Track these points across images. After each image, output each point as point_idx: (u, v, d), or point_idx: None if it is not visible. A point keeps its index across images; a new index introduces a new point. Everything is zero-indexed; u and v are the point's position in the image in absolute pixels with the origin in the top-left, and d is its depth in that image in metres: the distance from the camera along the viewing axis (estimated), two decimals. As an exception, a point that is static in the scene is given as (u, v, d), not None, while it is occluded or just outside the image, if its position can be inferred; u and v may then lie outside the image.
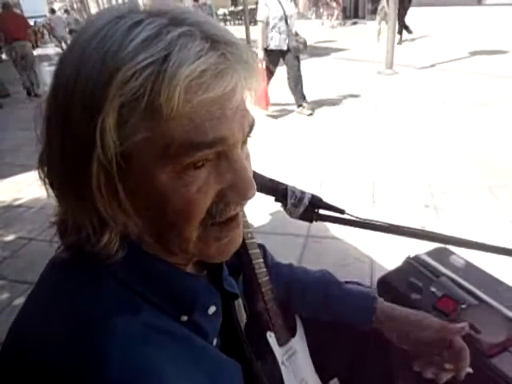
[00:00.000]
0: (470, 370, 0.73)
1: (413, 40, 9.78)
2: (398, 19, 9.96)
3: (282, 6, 4.41)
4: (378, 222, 0.68)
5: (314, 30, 12.42)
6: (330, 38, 11.69)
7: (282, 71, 4.86)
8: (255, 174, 0.52)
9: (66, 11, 17.61)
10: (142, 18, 0.39)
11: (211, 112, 0.40)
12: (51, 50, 16.17)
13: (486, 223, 2.39)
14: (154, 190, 0.41)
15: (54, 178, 0.44)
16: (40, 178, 0.46)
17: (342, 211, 0.70)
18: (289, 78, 4.80)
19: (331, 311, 0.88)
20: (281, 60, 4.71)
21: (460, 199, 2.72)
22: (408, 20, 9.45)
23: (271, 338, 0.82)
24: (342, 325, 0.87)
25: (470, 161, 3.27)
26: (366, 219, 0.69)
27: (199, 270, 0.59)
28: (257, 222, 2.53)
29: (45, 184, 0.46)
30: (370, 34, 10.97)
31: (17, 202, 3.42)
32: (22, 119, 6.47)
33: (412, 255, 1.23)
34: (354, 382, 0.95)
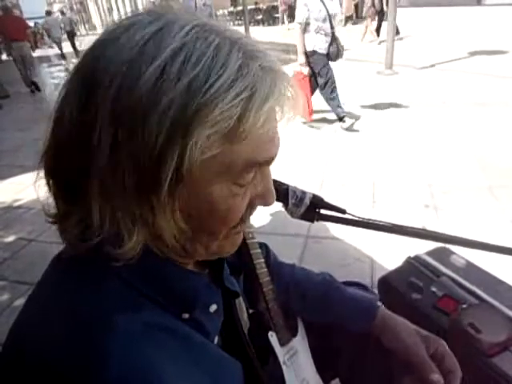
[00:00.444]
0: None
1: (401, 39, 9.99)
2: (380, 19, 10.37)
3: (324, 4, 3.94)
4: (379, 221, 0.68)
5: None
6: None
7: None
8: None
9: (62, 13, 17.67)
10: (219, 42, 0.42)
11: (269, 135, 0.46)
12: (51, 51, 16.16)
13: (485, 223, 2.39)
14: (205, 201, 0.45)
15: (98, 185, 0.41)
16: (47, 176, 0.46)
17: (343, 211, 0.70)
18: (323, 86, 4.30)
19: (329, 317, 0.88)
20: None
21: (460, 199, 2.73)
22: (404, 20, 9.48)
23: (272, 337, 0.82)
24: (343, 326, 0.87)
25: (470, 161, 3.27)
26: (367, 219, 0.69)
27: (201, 268, 0.59)
28: (257, 222, 2.53)
29: (48, 184, 0.46)
30: (368, 33, 10.98)
31: (17, 203, 3.42)
32: (22, 120, 6.48)
33: (412, 255, 1.23)
34: (355, 383, 0.94)
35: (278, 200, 0.71)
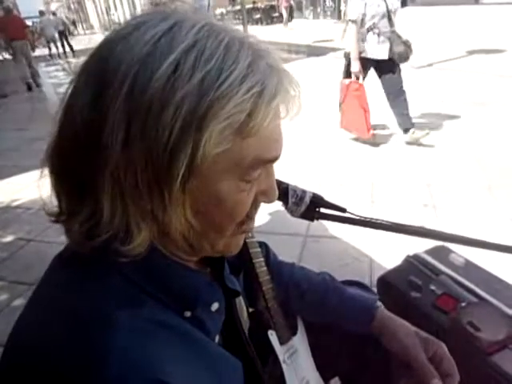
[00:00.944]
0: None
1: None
2: None
3: None
4: (379, 220, 0.69)
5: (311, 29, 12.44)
6: (327, 37, 11.68)
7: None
8: None
9: (53, 13, 17.85)
10: (229, 40, 0.43)
11: (275, 133, 0.48)
12: (48, 51, 16.21)
13: (484, 222, 2.40)
14: (214, 196, 0.46)
15: (109, 182, 0.41)
16: (52, 175, 0.46)
17: (343, 209, 0.70)
18: (389, 97, 3.64)
19: (328, 318, 0.88)
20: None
21: (459, 199, 2.73)
22: (401, 19, 9.53)
23: (272, 336, 0.82)
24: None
25: (469, 160, 3.28)
26: (366, 217, 0.69)
27: (202, 266, 0.59)
28: (256, 221, 2.52)
29: (53, 183, 0.46)
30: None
31: (15, 204, 3.41)
32: (20, 120, 6.47)
33: (411, 254, 1.23)
34: (355, 381, 0.95)
35: (278, 199, 0.72)
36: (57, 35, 15.65)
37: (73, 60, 14.25)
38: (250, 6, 20.52)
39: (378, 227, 0.69)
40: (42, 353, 0.41)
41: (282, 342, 0.83)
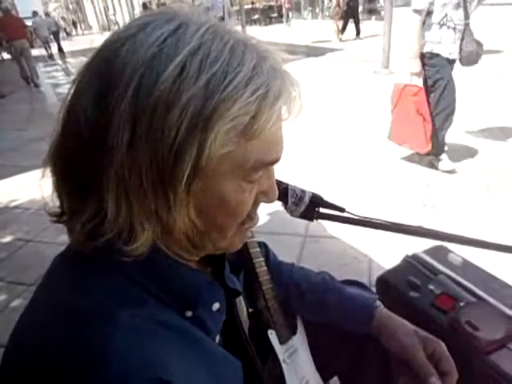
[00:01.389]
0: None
1: (361, 39, 10.91)
2: (346, 18, 10.91)
3: None
4: (378, 219, 0.69)
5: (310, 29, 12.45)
6: (325, 37, 11.71)
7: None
8: None
9: (46, 14, 18.00)
10: (234, 42, 0.44)
11: (277, 136, 0.48)
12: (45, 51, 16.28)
13: (483, 222, 2.40)
14: (217, 196, 0.46)
15: (114, 182, 0.41)
16: (55, 175, 0.46)
17: (342, 209, 0.70)
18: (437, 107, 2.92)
19: (328, 317, 0.89)
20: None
21: (458, 199, 2.74)
22: (399, 19, 9.58)
23: (272, 335, 0.82)
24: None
25: (467, 160, 3.28)
26: (366, 217, 0.69)
27: (203, 266, 0.59)
28: (255, 221, 2.53)
29: (55, 183, 0.47)
30: (366, 33, 11.01)
31: (13, 204, 3.41)
32: (19, 120, 6.46)
33: (410, 254, 1.24)
34: (354, 381, 0.95)
35: (277, 199, 0.72)
36: (51, 36, 15.76)
37: (72, 60, 14.24)
38: (249, 6, 20.53)
39: (377, 227, 0.69)
40: (43, 353, 0.41)
41: (281, 342, 0.84)
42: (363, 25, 12.06)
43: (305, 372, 0.87)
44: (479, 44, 2.78)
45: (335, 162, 3.55)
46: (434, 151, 3.04)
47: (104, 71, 0.42)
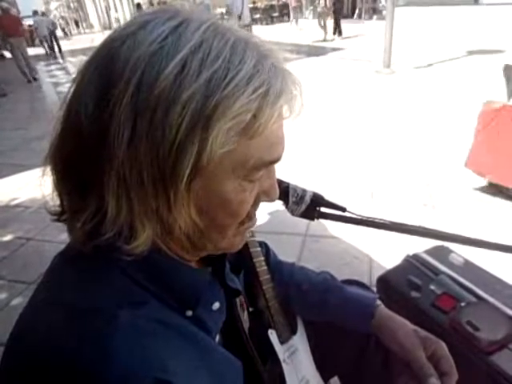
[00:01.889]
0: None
1: (344, 39, 11.27)
2: (335, 18, 11.17)
3: None
4: (379, 219, 0.69)
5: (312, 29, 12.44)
6: (327, 37, 11.71)
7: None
8: None
9: (43, 14, 18.27)
10: (235, 40, 0.44)
11: (278, 135, 0.48)
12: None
13: (484, 222, 2.39)
14: (218, 195, 0.46)
15: (115, 180, 0.41)
16: (55, 174, 0.46)
17: (343, 209, 0.70)
18: None
19: (328, 317, 0.88)
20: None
21: (458, 198, 2.73)
22: (401, 19, 9.61)
23: (272, 335, 0.82)
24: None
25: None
26: (367, 217, 0.69)
27: (203, 265, 0.59)
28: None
29: (55, 182, 0.46)
30: (367, 33, 11.00)
31: (14, 202, 3.41)
32: (19, 119, 6.47)
33: (411, 253, 1.24)
34: (354, 380, 0.95)
35: (278, 198, 0.72)
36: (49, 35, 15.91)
37: (72, 59, 14.25)
38: (250, 5, 20.53)
39: (377, 226, 0.69)
40: (43, 352, 0.41)
41: (282, 341, 0.83)
42: (364, 24, 12.06)
43: (305, 372, 0.87)
44: None
45: (337, 161, 3.55)
46: None
47: (105, 69, 0.42)
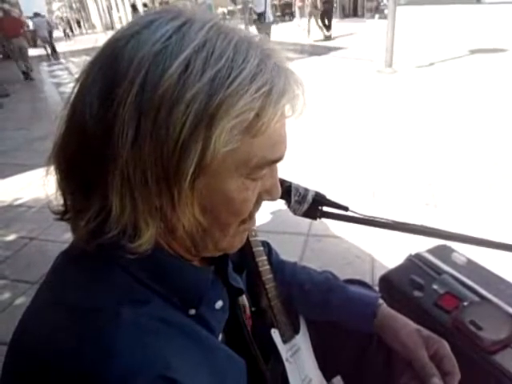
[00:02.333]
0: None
1: (333, 38, 11.35)
2: (321, 18, 11.19)
3: None
4: (381, 218, 0.68)
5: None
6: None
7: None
8: None
9: (37, 14, 18.65)
10: (238, 40, 0.44)
11: (281, 134, 0.48)
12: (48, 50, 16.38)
13: (486, 221, 2.39)
14: (221, 194, 0.46)
15: (119, 179, 0.41)
16: (59, 173, 0.47)
17: (345, 208, 0.70)
18: None
19: (331, 316, 0.88)
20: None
21: (460, 197, 2.73)
22: (402, 18, 9.59)
23: (275, 334, 0.82)
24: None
25: (472, 159, 3.27)
26: (369, 216, 0.69)
27: (206, 264, 0.59)
28: (258, 220, 2.53)
29: (59, 181, 0.47)
30: (369, 32, 10.98)
31: (17, 202, 3.42)
32: (22, 119, 6.49)
33: (413, 253, 1.23)
34: (356, 380, 0.95)
35: (280, 197, 0.72)
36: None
37: (76, 60, 14.27)
38: (252, 5, 20.50)
39: (380, 226, 0.69)
40: (46, 351, 0.41)
41: (284, 341, 0.83)
42: (365, 23, 12.04)
43: (307, 371, 0.87)
44: None
45: (338, 160, 3.54)
46: None
47: (109, 68, 0.42)
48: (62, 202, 0.49)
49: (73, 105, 0.45)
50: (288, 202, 0.71)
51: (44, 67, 13.14)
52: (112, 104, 0.40)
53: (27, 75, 10.32)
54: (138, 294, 0.46)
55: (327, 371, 0.93)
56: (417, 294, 1.07)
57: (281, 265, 0.95)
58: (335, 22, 14.56)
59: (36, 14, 16.23)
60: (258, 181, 0.49)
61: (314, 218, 0.72)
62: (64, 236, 2.45)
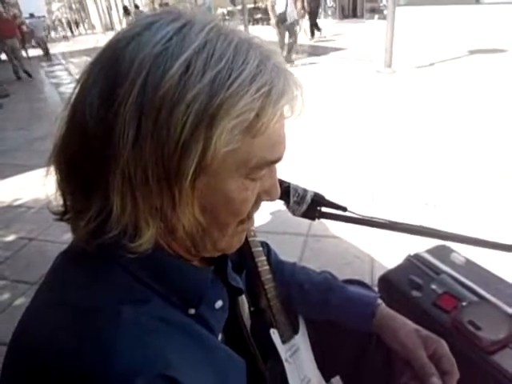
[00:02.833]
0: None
1: (324, 38, 11.48)
2: (310, 18, 11.10)
3: None
4: (380, 219, 0.69)
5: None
6: (328, 37, 11.71)
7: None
8: None
9: (31, 15, 18.72)
10: (238, 41, 0.44)
11: (280, 135, 0.49)
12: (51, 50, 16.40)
13: (485, 221, 2.39)
14: (221, 194, 0.46)
15: (120, 178, 0.41)
16: (59, 173, 0.47)
17: (344, 209, 0.70)
18: None
19: (330, 316, 0.89)
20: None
21: (460, 197, 2.73)
22: (402, 18, 9.59)
23: (274, 334, 0.82)
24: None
25: (471, 159, 3.27)
26: (368, 216, 0.69)
27: (206, 264, 0.60)
28: (257, 221, 2.53)
29: (59, 181, 0.47)
30: (369, 33, 10.99)
31: (17, 203, 3.42)
32: (22, 119, 6.49)
33: (412, 253, 1.23)
34: (355, 380, 0.95)
35: (279, 198, 0.72)
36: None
37: (75, 60, 14.27)
38: (252, 5, 20.52)
39: (378, 226, 0.69)
40: (46, 351, 0.41)
41: (283, 341, 0.84)
42: (365, 24, 12.05)
43: (307, 371, 0.87)
44: None
45: (337, 160, 3.54)
46: None
47: (110, 69, 0.43)
48: (61, 202, 0.49)
49: (73, 105, 0.45)
50: (287, 203, 0.71)
51: (44, 68, 13.13)
52: (113, 104, 0.41)
53: (22, 73, 10.72)
54: (138, 294, 0.46)
55: (326, 371, 0.94)
56: (416, 294, 1.07)
57: (280, 265, 0.95)
58: (334, 22, 14.58)
59: (31, 15, 16.32)
60: (258, 181, 0.50)
61: (312, 218, 0.72)
62: (63, 237, 2.45)
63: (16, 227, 3.00)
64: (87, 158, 0.43)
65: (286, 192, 0.70)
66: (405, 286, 1.10)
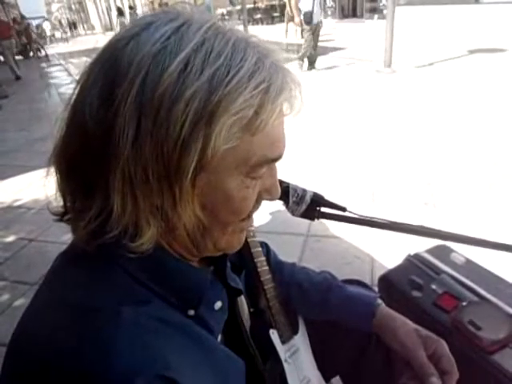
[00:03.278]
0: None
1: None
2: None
3: None
4: (379, 219, 0.69)
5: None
6: (327, 37, 11.71)
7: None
8: None
9: (23, 17, 19.08)
10: (236, 39, 0.45)
11: (280, 132, 0.49)
12: (48, 51, 16.45)
13: (485, 221, 2.39)
14: (221, 192, 0.46)
15: (120, 178, 0.41)
16: (59, 173, 0.47)
17: (343, 209, 0.70)
18: None
19: (329, 316, 0.89)
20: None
21: (460, 197, 2.73)
22: (401, 18, 9.59)
23: (274, 335, 0.82)
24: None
25: (471, 159, 3.27)
26: (367, 217, 0.69)
27: (205, 265, 0.60)
28: (257, 221, 2.53)
29: (59, 181, 0.47)
30: (368, 32, 10.99)
31: (17, 203, 3.42)
32: (21, 120, 6.49)
33: (412, 253, 1.23)
34: (355, 380, 0.95)
35: (279, 198, 0.72)
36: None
37: (75, 61, 14.28)
38: (251, 6, 20.52)
39: (378, 226, 0.69)
40: (46, 351, 0.41)
41: (283, 341, 0.84)
42: (364, 24, 12.05)
43: (306, 371, 0.87)
44: None
45: (337, 160, 3.54)
46: None
47: (109, 69, 0.43)
48: (61, 203, 0.49)
49: (73, 106, 0.46)
50: (286, 203, 0.71)
51: (45, 68, 13.15)
52: (112, 104, 0.41)
53: (18, 73, 10.93)
54: (138, 294, 0.46)
55: (326, 371, 0.94)
56: (416, 293, 1.07)
57: (279, 265, 0.95)
58: (334, 22, 14.59)
59: (22, 17, 16.71)
60: (258, 180, 0.50)
61: (312, 218, 0.72)
62: (63, 237, 2.45)
63: (16, 228, 3.00)
64: (87, 157, 0.43)
65: (285, 192, 0.70)
66: (405, 286, 1.10)
